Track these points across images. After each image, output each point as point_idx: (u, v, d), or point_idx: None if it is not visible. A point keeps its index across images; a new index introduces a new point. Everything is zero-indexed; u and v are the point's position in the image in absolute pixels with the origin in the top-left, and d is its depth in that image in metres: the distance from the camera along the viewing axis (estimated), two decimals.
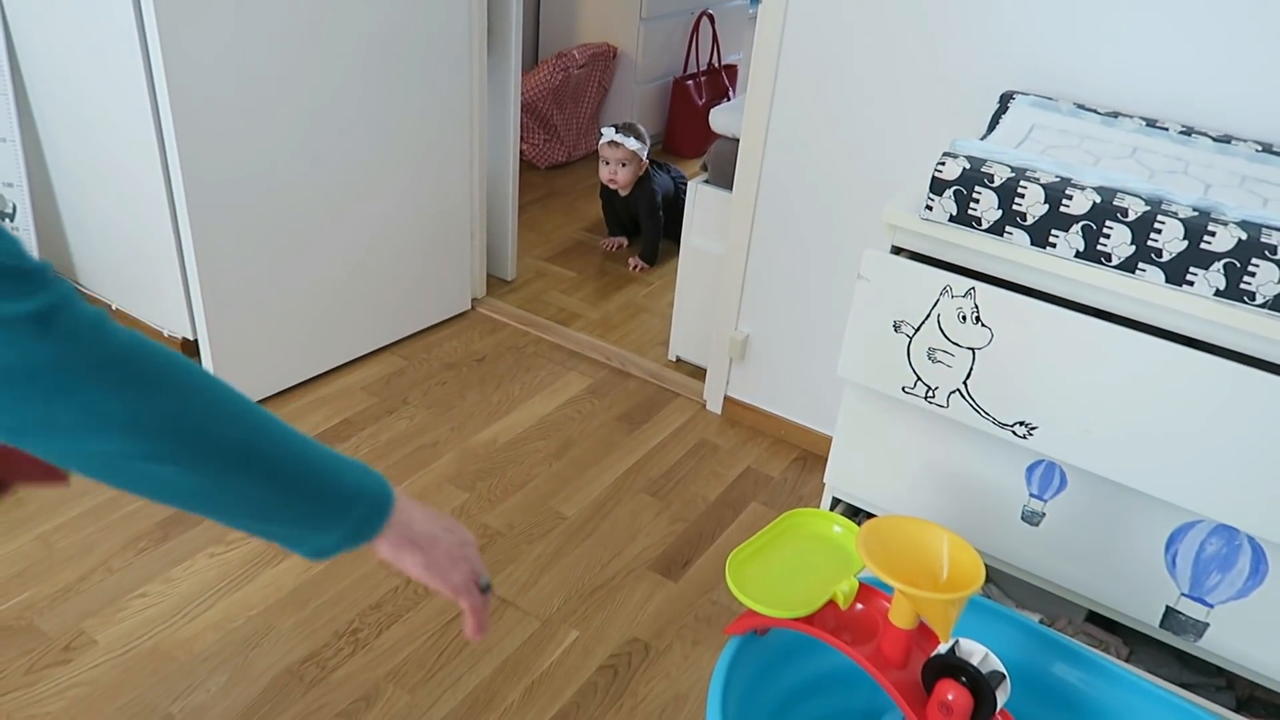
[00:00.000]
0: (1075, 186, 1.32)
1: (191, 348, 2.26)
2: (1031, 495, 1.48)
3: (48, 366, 0.61)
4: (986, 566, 1.65)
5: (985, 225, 1.38)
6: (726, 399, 2.41)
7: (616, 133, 3.06)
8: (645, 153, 3.11)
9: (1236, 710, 1.49)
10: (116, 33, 1.92)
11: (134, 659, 1.60)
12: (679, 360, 2.63)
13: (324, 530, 0.76)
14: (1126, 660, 1.58)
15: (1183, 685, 1.49)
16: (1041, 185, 1.33)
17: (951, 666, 1.08)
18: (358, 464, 0.80)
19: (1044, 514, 1.48)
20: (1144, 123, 1.60)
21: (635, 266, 3.16)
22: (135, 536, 1.85)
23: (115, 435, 0.64)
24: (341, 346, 2.44)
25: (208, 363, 2.13)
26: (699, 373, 2.53)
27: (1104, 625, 1.64)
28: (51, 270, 0.64)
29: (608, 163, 3.11)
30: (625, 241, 3.31)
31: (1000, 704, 1.07)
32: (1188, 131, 1.57)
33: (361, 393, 2.35)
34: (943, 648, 1.09)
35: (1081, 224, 1.31)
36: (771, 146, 2.10)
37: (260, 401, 2.26)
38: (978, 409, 1.44)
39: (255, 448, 0.71)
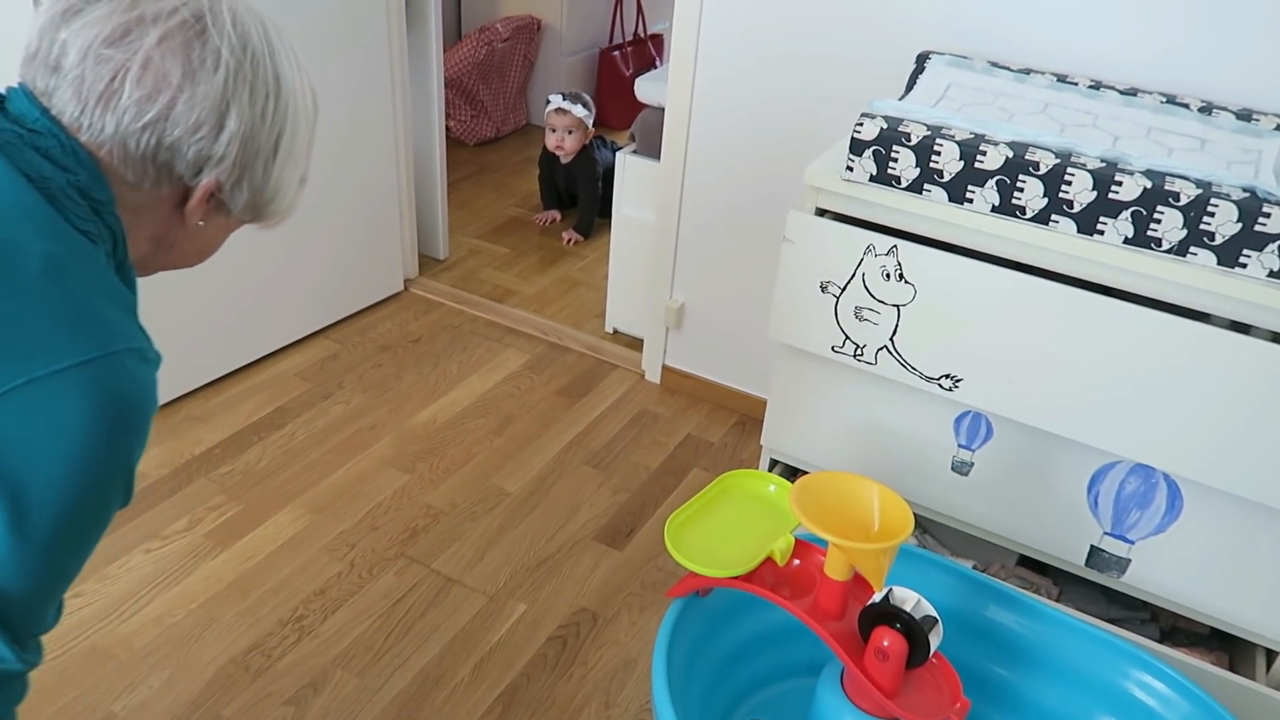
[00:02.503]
0: (989, 142, 1.35)
1: None
2: (960, 446, 1.52)
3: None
4: (921, 517, 1.70)
5: (904, 184, 1.41)
6: (665, 368, 2.42)
7: (564, 100, 3.06)
8: (591, 120, 3.12)
9: (1161, 641, 1.55)
10: None
11: (72, 659, 1.57)
12: (616, 332, 2.64)
13: None
14: (1057, 600, 1.64)
15: (1110, 620, 1.55)
16: (956, 142, 1.36)
17: (886, 614, 1.11)
18: None
19: (973, 463, 1.52)
20: (1055, 78, 1.64)
21: (570, 240, 3.15)
22: None
23: None
24: (272, 333, 2.40)
25: None
26: (636, 343, 2.54)
27: (1035, 568, 1.70)
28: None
29: (554, 130, 3.10)
30: (559, 215, 3.30)
31: (934, 647, 1.11)
32: (1096, 86, 1.61)
33: (295, 379, 2.32)
34: (877, 596, 1.13)
35: (996, 179, 1.35)
36: (697, 114, 2.11)
37: (191, 392, 2.22)
38: (905, 364, 1.47)
39: None
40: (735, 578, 1.19)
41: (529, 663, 1.64)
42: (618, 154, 2.47)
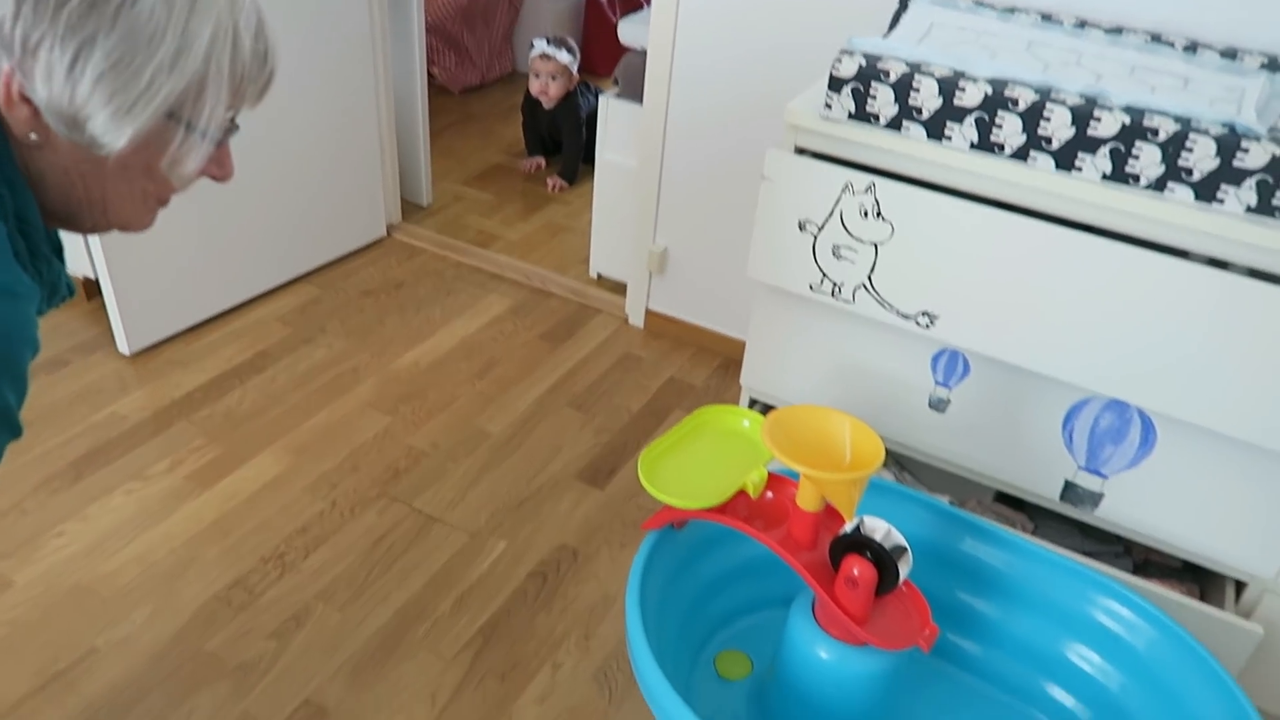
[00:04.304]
0: (968, 79, 1.34)
1: (93, 287, 2.19)
2: (937, 383, 1.53)
3: None
4: (899, 455, 1.71)
5: (883, 121, 1.40)
6: (648, 312, 2.42)
7: (548, 45, 3.03)
8: (576, 66, 3.09)
9: (1134, 573, 1.58)
10: None
11: (54, 597, 1.59)
12: (600, 277, 2.63)
13: None
14: (1032, 534, 1.66)
15: (1084, 554, 1.57)
16: (935, 79, 1.35)
17: (856, 543, 1.13)
18: None
19: (949, 400, 1.53)
20: (1039, 17, 1.62)
21: (554, 186, 3.13)
22: (47, 477, 1.81)
23: None
24: (253, 278, 2.38)
25: (110, 301, 2.07)
26: (620, 288, 2.53)
27: (1011, 503, 1.71)
28: None
29: (538, 75, 3.07)
30: (544, 162, 3.28)
31: (903, 575, 1.13)
32: (1081, 24, 1.60)
33: (277, 324, 2.32)
34: (848, 527, 1.14)
35: (974, 115, 1.34)
36: (679, 56, 2.08)
37: (171, 337, 2.22)
38: (882, 302, 1.47)
39: None
40: (709, 510, 1.20)
41: (509, 597, 1.66)
42: (600, 97, 2.45)
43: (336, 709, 1.45)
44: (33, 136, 0.79)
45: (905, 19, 1.64)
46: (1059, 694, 1.33)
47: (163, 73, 0.76)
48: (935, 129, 1.37)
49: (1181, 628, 1.20)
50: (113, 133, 0.78)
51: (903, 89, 1.37)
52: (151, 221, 0.91)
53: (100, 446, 1.90)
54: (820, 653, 1.18)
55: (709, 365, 2.31)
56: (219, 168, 0.88)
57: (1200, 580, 1.57)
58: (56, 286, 0.90)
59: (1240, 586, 1.47)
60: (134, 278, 2.08)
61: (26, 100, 0.76)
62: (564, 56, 3.04)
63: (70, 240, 2.06)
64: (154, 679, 1.47)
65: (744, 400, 1.74)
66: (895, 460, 1.77)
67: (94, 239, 2.01)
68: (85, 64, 0.74)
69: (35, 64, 0.74)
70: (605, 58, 3.90)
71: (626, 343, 2.37)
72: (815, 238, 1.48)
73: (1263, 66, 1.49)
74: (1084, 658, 1.31)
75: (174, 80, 0.77)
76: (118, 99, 0.76)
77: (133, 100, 0.77)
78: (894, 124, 1.40)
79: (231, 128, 0.86)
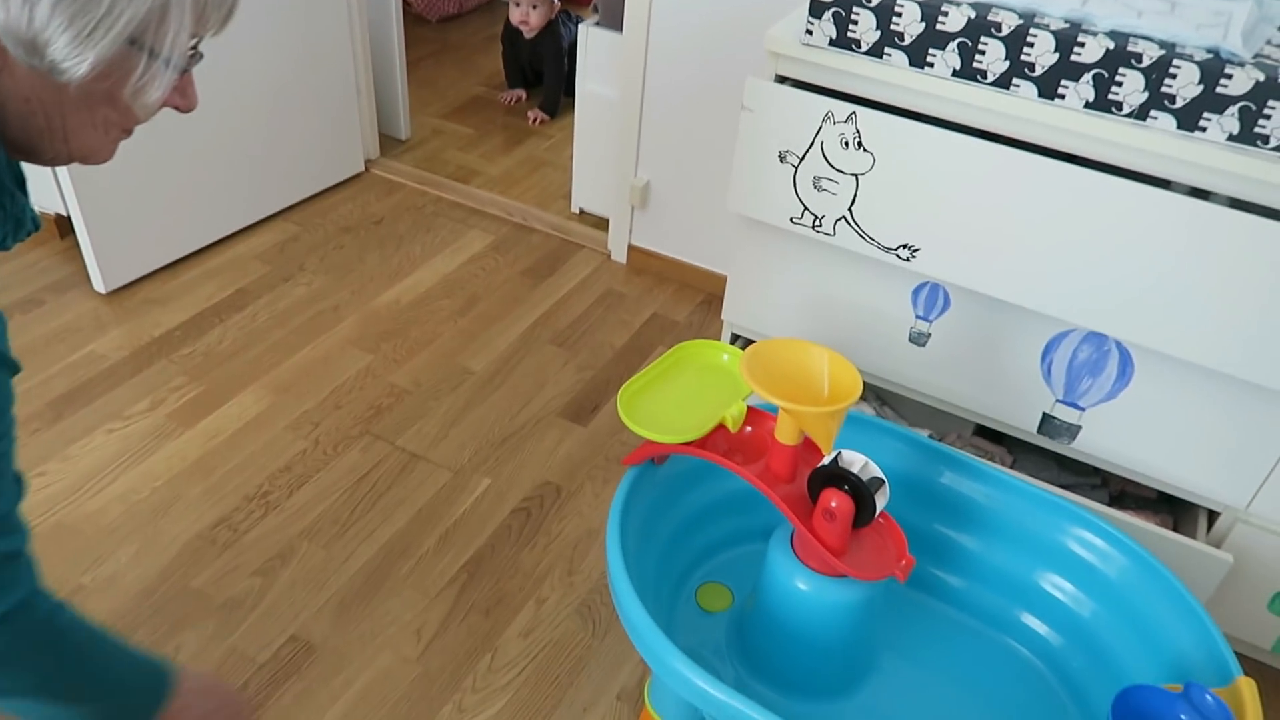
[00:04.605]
0: (951, 3, 1.31)
1: (66, 225, 2.16)
2: (917, 317, 1.53)
3: None
4: (880, 389, 1.71)
5: (864, 47, 1.37)
6: (631, 247, 2.40)
7: None
8: None
9: (1110, 505, 1.60)
10: None
11: (38, 536, 1.59)
12: (582, 212, 2.60)
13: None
14: (1011, 467, 1.67)
15: (1062, 487, 1.58)
16: (918, 3, 1.32)
17: (834, 476, 1.13)
18: (154, 669, 0.96)
19: (930, 334, 1.53)
20: None
21: (535, 119, 3.08)
22: (26, 418, 1.80)
23: (15, 696, 0.84)
24: (230, 215, 2.35)
25: (84, 239, 2.04)
26: (603, 223, 2.51)
27: (991, 437, 1.73)
28: (21, 556, 0.80)
29: (518, 4, 3.00)
30: (524, 94, 3.22)
31: (880, 507, 1.13)
32: None
33: (255, 261, 2.29)
34: (826, 460, 1.14)
35: (957, 42, 1.31)
36: None
37: (148, 275, 2.19)
38: (863, 235, 1.46)
39: (100, 685, 0.90)
40: (688, 444, 1.20)
41: (494, 533, 1.67)
42: (580, 26, 2.39)
43: (323, 645, 1.47)
44: None
45: None
46: (1033, 622, 1.36)
47: None
48: (917, 56, 1.35)
49: (1152, 556, 1.22)
50: (74, 59, 0.76)
51: (885, 13, 1.34)
52: (113, 152, 0.89)
53: (79, 386, 1.89)
54: (798, 584, 1.19)
55: (692, 301, 2.30)
56: (182, 98, 0.87)
57: (1174, 511, 1.60)
58: (21, 220, 0.89)
59: (1212, 516, 1.49)
60: (107, 215, 2.05)
61: None
62: None
63: (42, 177, 2.02)
64: (140, 616, 1.48)
65: (725, 335, 1.74)
66: (876, 394, 1.77)
67: (65, 177, 1.97)
68: None
69: None
70: None
71: (609, 279, 2.36)
72: (796, 169, 1.46)
73: None
74: (1058, 587, 1.33)
75: (135, 4, 0.76)
76: (78, 23, 0.74)
77: (93, 24, 0.75)
78: (875, 51, 1.37)
79: (195, 56, 0.84)
